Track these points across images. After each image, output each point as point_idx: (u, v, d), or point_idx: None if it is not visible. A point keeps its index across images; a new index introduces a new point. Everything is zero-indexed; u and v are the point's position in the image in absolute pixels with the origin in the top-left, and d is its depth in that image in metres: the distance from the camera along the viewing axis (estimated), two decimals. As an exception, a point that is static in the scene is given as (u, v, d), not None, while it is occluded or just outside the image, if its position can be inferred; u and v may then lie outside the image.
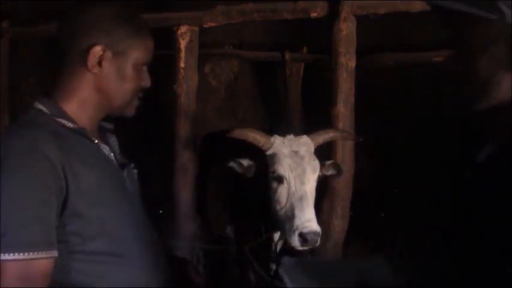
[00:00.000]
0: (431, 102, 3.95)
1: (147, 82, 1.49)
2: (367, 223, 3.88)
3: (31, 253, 1.21)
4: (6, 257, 1.20)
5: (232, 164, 2.61)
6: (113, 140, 1.56)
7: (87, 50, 1.38)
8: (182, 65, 3.55)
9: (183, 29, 3.53)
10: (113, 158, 1.48)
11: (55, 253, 1.26)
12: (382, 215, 4.27)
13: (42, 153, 1.26)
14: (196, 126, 3.61)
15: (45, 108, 1.40)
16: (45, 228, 1.25)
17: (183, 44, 3.54)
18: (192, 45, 3.56)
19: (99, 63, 1.40)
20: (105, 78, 1.41)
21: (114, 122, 1.58)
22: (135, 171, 1.56)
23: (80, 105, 1.42)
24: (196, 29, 3.55)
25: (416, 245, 3.41)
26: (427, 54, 4.01)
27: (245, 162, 2.62)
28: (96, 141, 1.44)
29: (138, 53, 1.43)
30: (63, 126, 1.38)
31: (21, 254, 1.20)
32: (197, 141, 3.62)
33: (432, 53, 3.97)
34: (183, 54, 3.54)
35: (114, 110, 1.47)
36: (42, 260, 1.23)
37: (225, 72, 5.07)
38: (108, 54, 1.40)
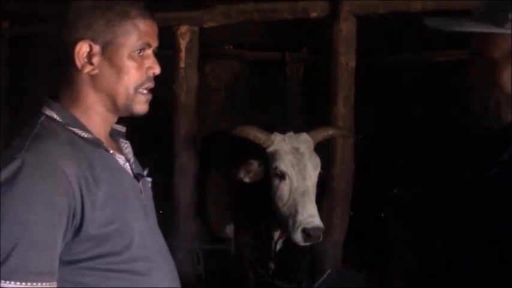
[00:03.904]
0: (432, 102, 3.95)
1: (155, 68, 1.32)
2: (367, 223, 3.88)
3: (34, 283, 1.11)
4: (6, 285, 1.09)
5: (241, 174, 2.58)
6: (127, 146, 1.41)
7: (72, 48, 1.24)
8: (182, 65, 3.54)
9: (183, 29, 3.52)
10: (128, 168, 1.34)
11: (55, 284, 1.15)
12: (382, 215, 4.27)
13: (57, 168, 1.15)
14: (196, 126, 3.61)
15: (56, 115, 1.26)
16: (51, 255, 1.14)
17: (183, 44, 3.53)
18: (192, 45, 3.55)
19: (89, 61, 1.25)
20: (101, 75, 1.26)
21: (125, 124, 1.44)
22: (149, 179, 1.44)
23: (87, 110, 1.29)
24: (196, 29, 3.55)
25: (416, 245, 3.41)
26: (427, 54, 4.02)
27: (255, 164, 2.60)
28: (112, 152, 1.30)
29: (130, 38, 1.26)
30: (78, 136, 1.25)
31: (23, 283, 1.10)
32: (197, 141, 3.62)
33: (432, 53, 3.98)
34: (183, 54, 3.54)
35: (121, 110, 1.31)
36: None
37: (225, 72, 5.08)
38: (96, 48, 1.25)
